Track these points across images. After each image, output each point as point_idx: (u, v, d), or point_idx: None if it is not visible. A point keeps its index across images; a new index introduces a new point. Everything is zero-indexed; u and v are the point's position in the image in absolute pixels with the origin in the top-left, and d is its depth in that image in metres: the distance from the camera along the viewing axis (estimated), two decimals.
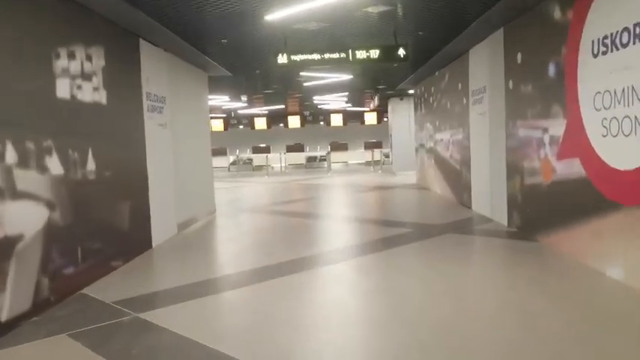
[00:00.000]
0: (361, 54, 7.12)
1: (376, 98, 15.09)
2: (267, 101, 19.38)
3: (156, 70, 7.27)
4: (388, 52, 7.11)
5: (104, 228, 5.52)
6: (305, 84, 13.14)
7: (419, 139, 14.13)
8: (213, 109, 21.09)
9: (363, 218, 8.82)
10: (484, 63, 8.03)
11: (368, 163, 24.77)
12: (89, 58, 5.27)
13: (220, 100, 16.63)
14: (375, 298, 4.40)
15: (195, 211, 8.96)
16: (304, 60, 7.16)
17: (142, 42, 6.76)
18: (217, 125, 27.28)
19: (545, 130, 5.81)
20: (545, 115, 5.82)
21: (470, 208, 9.06)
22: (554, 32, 5.53)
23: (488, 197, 8.01)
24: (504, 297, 4.26)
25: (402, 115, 18.18)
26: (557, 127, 5.51)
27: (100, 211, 5.45)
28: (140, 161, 6.62)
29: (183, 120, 8.65)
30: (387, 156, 22.69)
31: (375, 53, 7.10)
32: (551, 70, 5.62)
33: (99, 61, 5.49)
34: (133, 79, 6.54)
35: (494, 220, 7.73)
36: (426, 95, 12.85)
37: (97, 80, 5.43)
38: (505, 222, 7.26)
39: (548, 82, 5.71)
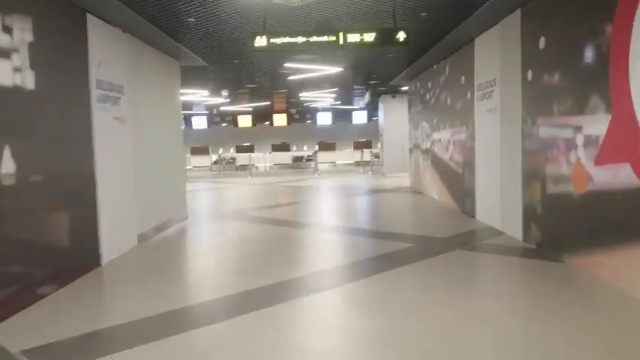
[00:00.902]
0: (354, 37, 6.03)
1: (367, 95, 14.03)
2: (251, 97, 18.22)
3: (111, 54, 6.12)
4: (386, 36, 6.03)
5: (28, 246, 4.36)
6: (290, 78, 12.03)
7: (413, 139, 13.09)
8: (193, 105, 19.87)
9: (354, 228, 7.73)
10: (494, 52, 6.99)
11: (357, 164, 23.72)
12: (7, 29, 4.12)
13: (200, 95, 15.46)
14: (375, 353, 3.31)
15: (162, 218, 7.81)
16: (287, 43, 6.05)
17: (90, 18, 5.60)
18: (199, 123, 26.07)
19: (578, 128, 4.77)
20: (578, 110, 4.77)
21: (473, 217, 8.03)
22: (594, 9, 4.49)
23: (498, 206, 6.97)
24: (544, 344, 3.19)
25: (394, 114, 17.13)
26: (596, 124, 4.47)
27: (22, 225, 4.30)
28: (85, 162, 5.47)
29: (149, 114, 7.50)
30: (377, 156, 21.65)
31: (370, 36, 6.01)
32: (589, 55, 4.58)
33: (23, 35, 4.34)
34: (77, 61, 5.38)
35: (505, 233, 6.69)
36: (422, 91, 11.82)
37: (20, 58, 4.27)
38: (519, 236, 6.22)
39: (584, 71, 4.67)
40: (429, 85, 10.98)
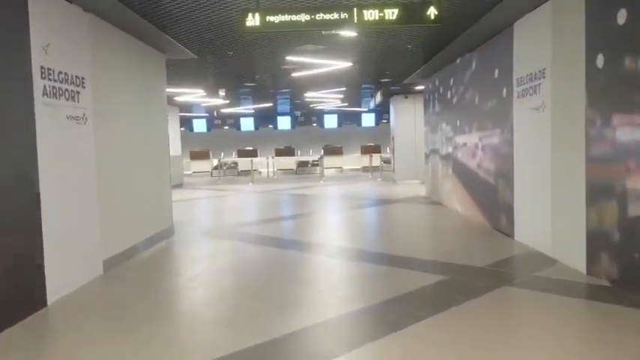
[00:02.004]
0: (372, 14, 4.74)
1: (378, 94, 12.76)
2: (253, 99, 16.99)
3: (65, 37, 4.86)
4: (412, 12, 4.74)
5: None
6: (294, 75, 10.76)
7: (430, 143, 11.77)
8: (192, 107, 18.63)
9: (368, 252, 6.42)
10: (542, 37, 5.68)
11: (365, 169, 22.41)
12: None
13: (195, 96, 14.22)
14: None
15: (138, 237, 6.53)
16: (286, 22, 4.76)
17: None
18: (200, 126, 24.89)
19: None
20: None
21: (511, 237, 6.72)
22: None
23: (547, 226, 5.65)
24: None
25: (407, 116, 15.82)
26: None
27: None
28: (24, 172, 4.20)
29: (123, 113, 6.26)
30: (386, 162, 20.34)
31: (392, 13, 4.73)
32: None
33: None
34: (10, 41, 4.12)
35: (559, 261, 5.37)
36: (441, 90, 10.51)
37: None
38: (582, 267, 4.90)
39: None
40: (451, 83, 9.67)
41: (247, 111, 21.79)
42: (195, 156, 23.49)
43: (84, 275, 5.09)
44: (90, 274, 5.22)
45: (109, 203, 5.67)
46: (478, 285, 4.68)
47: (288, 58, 8.89)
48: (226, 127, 25.25)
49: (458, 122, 9.29)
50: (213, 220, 9.84)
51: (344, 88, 13.84)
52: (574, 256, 5.04)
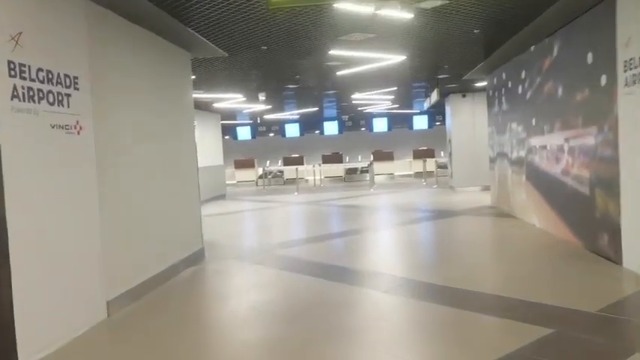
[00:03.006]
0: None
1: (434, 93, 11.39)
2: (297, 103, 15.95)
3: (47, 26, 3.88)
4: None
5: None
6: (339, 73, 9.59)
7: (497, 146, 10.30)
8: (233, 115, 17.80)
9: (431, 286, 5.11)
10: None
11: (417, 175, 20.94)
12: None
13: (235, 101, 13.29)
14: None
15: (156, 269, 5.50)
16: None
17: None
18: (244, 133, 24.13)
19: None
20: None
21: (617, 263, 5.27)
22: None
23: None
24: None
25: (465, 116, 14.34)
26: None
27: None
28: None
29: (137, 120, 5.25)
30: (441, 167, 18.84)
31: None
32: None
33: None
34: None
35: None
36: (509, 84, 9.07)
37: None
38: None
39: None
40: (522, 75, 8.24)
41: (292, 117, 20.82)
42: (240, 165, 22.69)
43: (80, 322, 4.07)
44: (88, 320, 4.20)
45: (117, 229, 4.66)
46: (601, 346, 3.32)
47: (332, 52, 7.72)
48: (271, 134, 24.37)
49: (533, 121, 7.85)
50: (251, 238, 8.76)
51: (395, 88, 12.56)
52: None
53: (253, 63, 8.36)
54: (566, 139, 6.57)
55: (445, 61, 9.42)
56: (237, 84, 10.53)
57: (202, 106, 14.28)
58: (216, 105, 13.77)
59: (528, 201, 8.30)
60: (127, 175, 4.98)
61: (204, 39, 6.41)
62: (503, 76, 9.44)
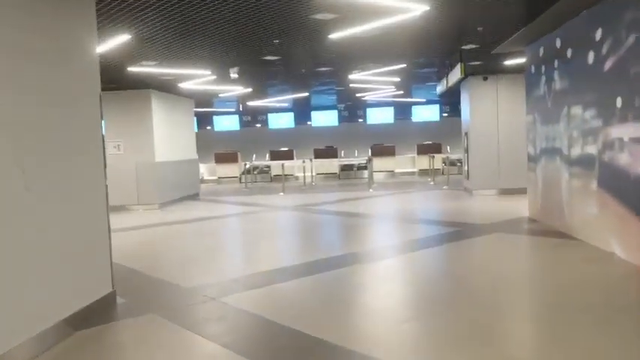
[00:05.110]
0: None
1: (456, 70, 8.77)
2: (282, 85, 13.34)
3: None
4: None
5: None
6: (332, 36, 7.00)
7: (543, 139, 7.73)
8: (211, 101, 15.15)
9: None
10: None
11: (422, 173, 18.39)
12: None
13: (203, 81, 10.66)
14: None
15: (8, 341, 2.93)
16: None
17: None
18: (225, 124, 21.49)
19: None
20: None
21: None
22: None
23: None
24: None
25: (487, 104, 11.76)
26: None
27: None
28: None
29: None
30: (453, 164, 16.32)
31: None
32: None
33: None
34: None
35: None
36: (569, 53, 6.53)
37: None
38: None
39: None
40: (598, 36, 5.68)
41: (280, 104, 18.19)
42: (221, 159, 20.00)
43: None
44: None
45: None
46: None
47: None
48: (258, 125, 21.72)
49: (618, 101, 5.29)
50: (202, 268, 6.14)
51: (403, 65, 9.96)
52: None
53: (210, 19, 5.75)
54: None
55: (479, 21, 6.83)
56: (196, 52, 7.90)
57: (168, 88, 11.67)
58: (184, 86, 11.14)
59: (602, 217, 5.76)
60: None
61: None
62: (558, 43, 6.87)
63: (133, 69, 8.79)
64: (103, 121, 4.48)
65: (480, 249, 6.45)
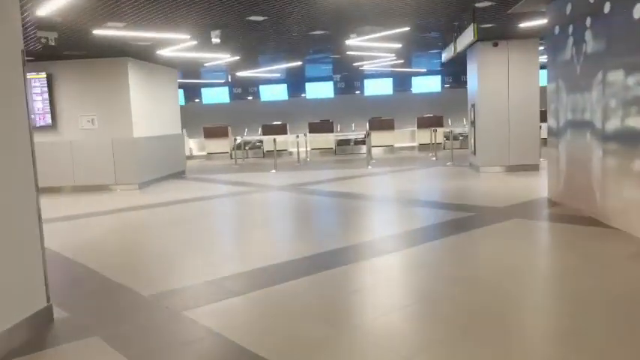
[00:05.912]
0: None
1: (469, 31, 7.72)
2: (272, 52, 12.24)
3: None
4: None
5: None
6: None
7: (567, 111, 6.75)
8: (198, 72, 14.02)
9: None
10: None
11: (422, 148, 17.42)
12: None
13: (183, 47, 9.56)
14: None
15: None
16: None
17: None
18: (215, 96, 20.36)
19: None
20: None
21: None
22: None
23: None
24: None
25: (496, 72, 10.71)
26: None
27: None
28: None
29: None
30: (456, 138, 15.34)
31: None
32: None
33: None
34: None
35: None
36: (607, 7, 5.49)
37: None
38: None
39: None
40: None
41: (273, 75, 17.07)
42: (210, 133, 18.91)
43: None
44: None
45: None
46: None
47: None
48: (249, 97, 20.60)
49: None
50: (172, 268, 5.19)
51: (407, 28, 8.87)
52: None
53: None
54: None
55: None
56: (170, 10, 6.81)
57: (146, 56, 10.57)
58: (163, 53, 10.04)
59: None
60: None
61: None
62: None
63: (99, 32, 7.69)
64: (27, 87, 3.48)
65: (500, 241, 5.50)
